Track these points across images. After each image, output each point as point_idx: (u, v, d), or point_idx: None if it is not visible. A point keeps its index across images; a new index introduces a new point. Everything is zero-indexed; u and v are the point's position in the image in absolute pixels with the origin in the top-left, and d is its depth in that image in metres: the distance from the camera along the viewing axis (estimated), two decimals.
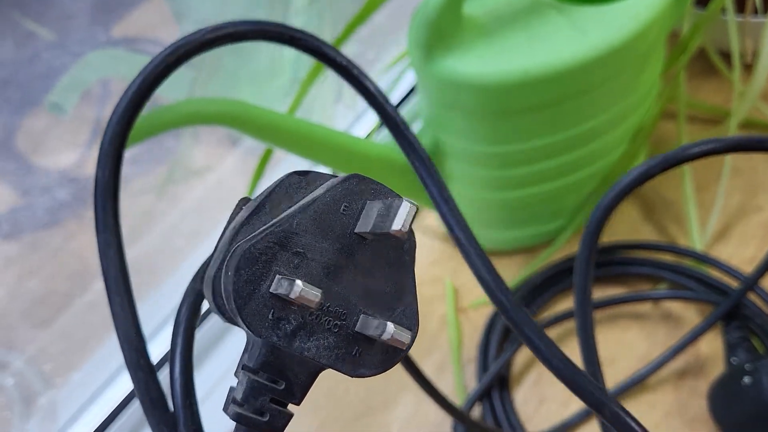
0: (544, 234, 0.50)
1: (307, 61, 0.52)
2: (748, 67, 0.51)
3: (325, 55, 0.22)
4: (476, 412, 0.43)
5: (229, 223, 0.18)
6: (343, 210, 0.16)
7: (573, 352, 0.45)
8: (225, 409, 0.17)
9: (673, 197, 0.52)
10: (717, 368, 0.43)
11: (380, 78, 0.56)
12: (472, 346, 0.46)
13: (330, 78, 0.55)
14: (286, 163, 0.55)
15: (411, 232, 0.17)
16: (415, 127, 0.47)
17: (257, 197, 0.17)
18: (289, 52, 0.56)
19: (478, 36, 0.41)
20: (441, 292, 0.49)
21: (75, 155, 0.64)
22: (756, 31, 0.51)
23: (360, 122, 0.58)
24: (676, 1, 0.43)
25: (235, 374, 0.18)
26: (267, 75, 0.57)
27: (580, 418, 0.42)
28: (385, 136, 0.56)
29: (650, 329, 0.46)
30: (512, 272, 0.49)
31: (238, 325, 0.16)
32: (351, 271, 0.17)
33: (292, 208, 0.17)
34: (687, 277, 0.46)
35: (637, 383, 0.43)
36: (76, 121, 0.66)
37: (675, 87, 0.50)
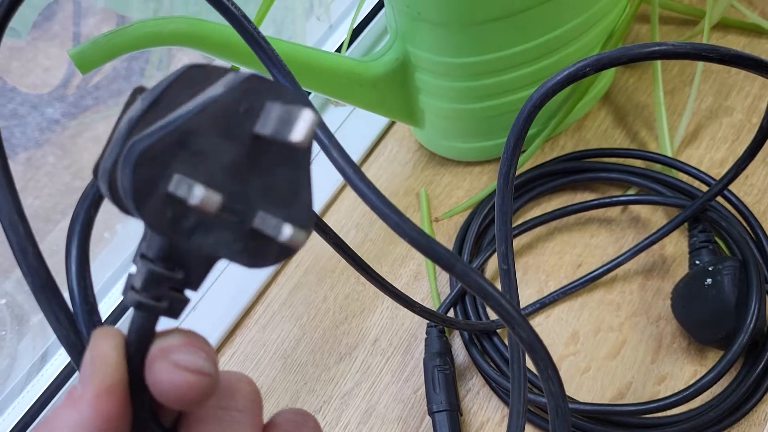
0: None
1: None
2: None
3: None
4: (450, 317, 0.45)
5: (123, 112, 0.17)
6: (244, 110, 0.16)
7: (540, 259, 0.46)
8: (123, 295, 0.18)
9: (644, 102, 0.52)
10: (682, 270, 0.44)
11: None
12: None
13: None
14: None
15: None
16: (384, 40, 0.47)
17: (154, 88, 0.17)
18: None
19: None
20: (415, 203, 0.50)
21: (61, 72, 0.63)
22: None
23: (334, 35, 0.57)
24: None
25: (134, 261, 0.18)
26: None
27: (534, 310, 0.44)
28: (353, 50, 0.55)
29: (619, 234, 0.47)
30: (485, 181, 0.50)
31: (135, 217, 0.16)
32: (249, 170, 0.17)
33: (192, 105, 0.16)
34: (656, 181, 0.46)
35: (597, 279, 0.44)
36: (56, 39, 0.65)
37: None
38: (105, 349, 0.18)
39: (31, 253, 0.19)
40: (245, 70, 0.17)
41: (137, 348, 0.18)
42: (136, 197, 0.16)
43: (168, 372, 0.17)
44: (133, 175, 0.15)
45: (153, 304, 0.17)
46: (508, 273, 0.32)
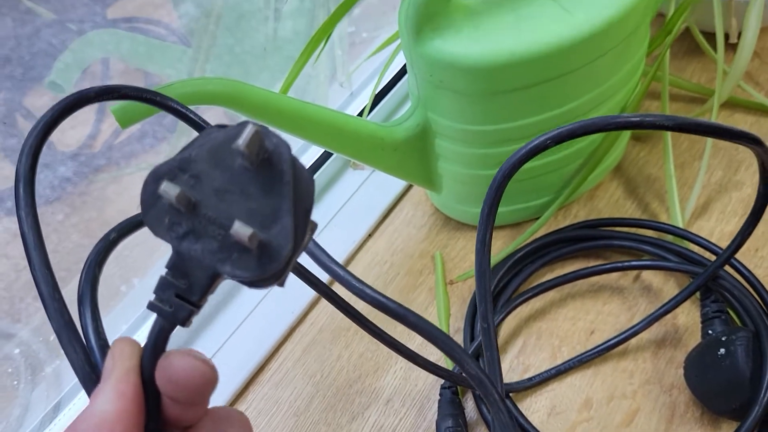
0: (531, 209, 0.51)
1: (303, 38, 0.53)
2: (733, 46, 0.52)
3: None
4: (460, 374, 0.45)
5: None
6: (234, 146, 0.20)
7: (553, 324, 0.47)
8: None
9: (655, 174, 0.53)
10: (694, 340, 0.45)
11: (373, 58, 0.57)
12: (460, 317, 0.48)
13: (324, 58, 0.56)
14: None
15: (291, 167, 0.20)
16: (405, 107, 0.48)
17: None
18: (283, 31, 0.57)
19: (467, 17, 0.42)
20: (430, 266, 0.51)
21: (84, 132, 0.65)
22: (741, 11, 0.52)
23: (355, 101, 0.59)
24: None
25: None
26: (264, 53, 0.58)
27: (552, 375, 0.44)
28: (374, 115, 0.57)
29: (631, 302, 0.47)
30: (499, 246, 0.51)
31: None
32: (237, 194, 0.20)
33: (197, 143, 0.21)
34: (667, 251, 0.47)
35: (612, 348, 0.45)
36: None
37: (659, 67, 0.51)
38: (122, 346, 0.22)
39: (57, 298, 0.23)
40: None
41: (151, 352, 0.21)
42: (143, 206, 0.20)
43: (180, 358, 0.21)
44: (143, 189, 0.20)
45: (160, 306, 0.21)
46: (488, 330, 0.34)
